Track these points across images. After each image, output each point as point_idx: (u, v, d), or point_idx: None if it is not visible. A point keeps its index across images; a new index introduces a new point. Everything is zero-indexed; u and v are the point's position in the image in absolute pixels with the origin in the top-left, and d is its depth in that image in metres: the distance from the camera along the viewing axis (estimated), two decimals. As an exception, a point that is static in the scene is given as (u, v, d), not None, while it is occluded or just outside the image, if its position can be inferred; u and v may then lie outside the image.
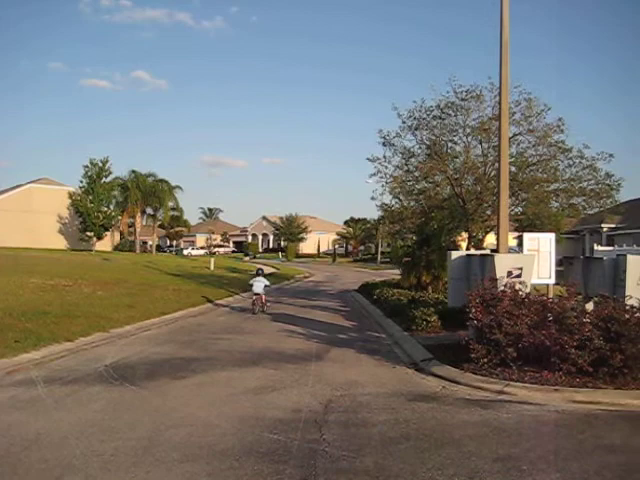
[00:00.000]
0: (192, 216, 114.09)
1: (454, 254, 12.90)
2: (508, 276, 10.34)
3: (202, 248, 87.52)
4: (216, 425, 7.03)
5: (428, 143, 23.49)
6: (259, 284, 19.67)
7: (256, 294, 19.47)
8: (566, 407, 7.85)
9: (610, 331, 8.61)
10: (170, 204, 74.84)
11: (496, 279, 10.24)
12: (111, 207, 62.94)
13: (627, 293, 9.99)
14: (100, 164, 59.83)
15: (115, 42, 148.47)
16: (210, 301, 22.46)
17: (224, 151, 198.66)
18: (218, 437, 6.56)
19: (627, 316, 8.76)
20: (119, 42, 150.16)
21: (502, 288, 9.92)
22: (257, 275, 20.49)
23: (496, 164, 18.42)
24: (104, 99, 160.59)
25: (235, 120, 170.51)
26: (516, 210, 24.20)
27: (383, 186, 24.12)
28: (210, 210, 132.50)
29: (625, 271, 10.38)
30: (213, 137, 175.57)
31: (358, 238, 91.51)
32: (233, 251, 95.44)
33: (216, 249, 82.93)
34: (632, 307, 9.10)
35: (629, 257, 10.47)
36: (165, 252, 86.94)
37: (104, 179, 60.53)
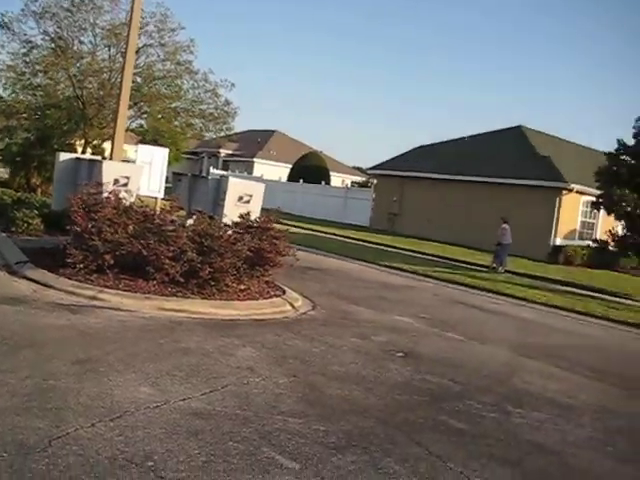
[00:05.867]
0: None
1: (62, 156, 12.31)
2: (115, 184, 10.26)
3: None
4: None
5: (53, 36, 21.82)
6: None
7: None
8: (154, 314, 8.21)
9: (203, 245, 9.18)
10: None
11: (101, 185, 10.10)
12: None
13: (225, 212, 10.74)
14: None
15: None
16: None
17: None
18: None
19: (220, 233, 9.43)
20: None
21: (107, 195, 9.82)
22: None
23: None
24: None
25: None
26: (138, 122, 24.09)
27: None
28: None
29: (225, 192, 11.11)
30: None
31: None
32: None
33: None
34: (226, 225, 9.82)
35: (230, 179, 11.24)
36: None
37: None
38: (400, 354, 8.13)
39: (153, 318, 8.03)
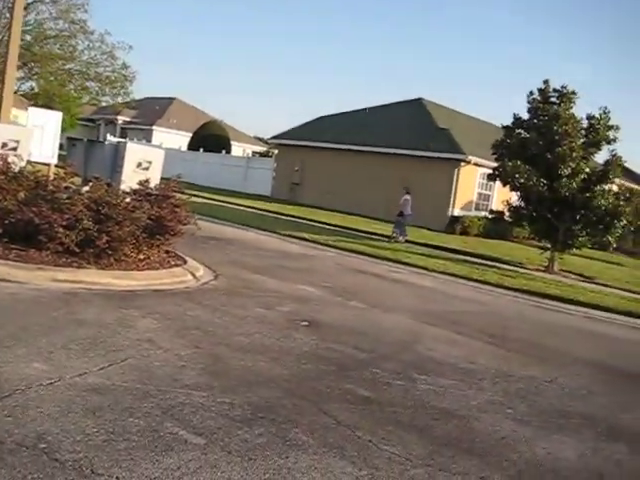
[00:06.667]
0: None
1: (-57, 117, 11.46)
2: (2, 147, 9.63)
3: None
4: None
5: None
6: None
7: None
8: (48, 286, 7.74)
9: (100, 213, 8.73)
10: None
11: (-12, 149, 9.46)
12: None
13: (123, 179, 10.29)
14: None
15: None
16: None
17: None
18: None
19: (117, 200, 9.01)
20: None
21: (-6, 159, 9.19)
22: None
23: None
24: None
25: None
26: (29, 85, 22.80)
27: None
28: None
29: (123, 158, 10.65)
30: None
31: None
32: None
33: None
34: (124, 192, 9.41)
35: (129, 144, 10.79)
36: None
37: None
38: (304, 323, 8.06)
39: (46, 290, 7.57)
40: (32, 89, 23.22)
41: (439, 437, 4.94)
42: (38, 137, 11.46)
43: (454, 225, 28.28)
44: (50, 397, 4.41)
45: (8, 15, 19.88)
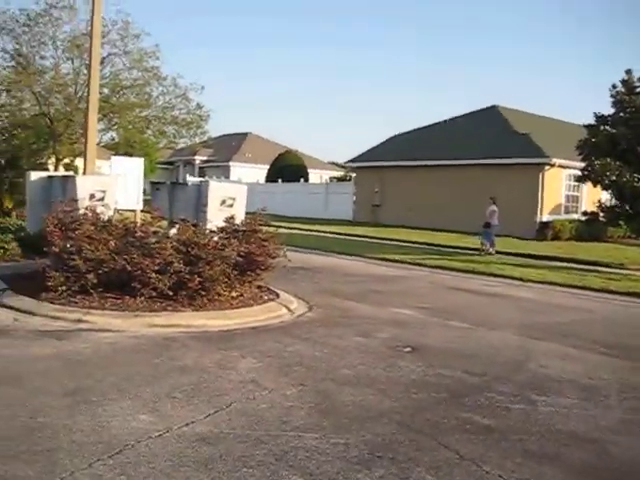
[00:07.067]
0: None
1: (34, 174, 11.78)
2: (91, 199, 9.76)
3: None
4: None
5: (12, 53, 21.21)
6: None
7: None
8: (145, 332, 7.74)
9: (190, 255, 8.71)
10: None
11: (77, 201, 9.60)
12: None
13: (208, 218, 10.28)
14: None
15: None
16: None
17: None
18: None
19: (206, 240, 8.97)
20: None
21: (83, 211, 9.32)
22: None
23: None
24: None
25: None
26: (110, 135, 23.53)
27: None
28: None
29: (207, 197, 10.66)
30: None
31: None
32: None
33: None
34: (211, 231, 9.37)
35: (211, 183, 10.79)
36: None
37: None
38: (407, 349, 7.74)
39: (144, 336, 7.55)
40: (113, 139, 24.00)
41: (574, 466, 4.50)
42: (122, 185, 11.62)
43: (544, 231, 27.28)
44: (160, 451, 4.25)
45: (86, 71, 20.62)
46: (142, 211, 13.01)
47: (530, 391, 6.24)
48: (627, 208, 19.38)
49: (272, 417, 5.07)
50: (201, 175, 53.87)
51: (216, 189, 10.84)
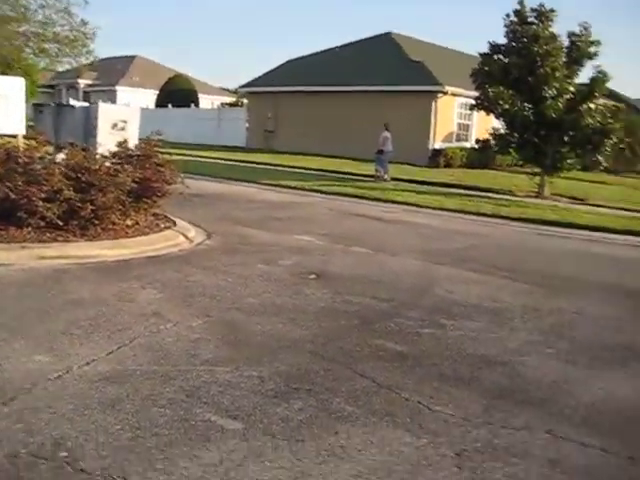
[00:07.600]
0: None
1: None
2: (-36, 121, 8.88)
3: None
4: None
5: None
6: None
7: None
8: (35, 264, 7.18)
9: (81, 181, 8.09)
10: None
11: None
12: None
13: (99, 141, 9.63)
14: None
15: None
16: None
17: None
18: None
19: (97, 166, 8.38)
20: None
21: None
22: None
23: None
24: None
25: None
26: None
27: None
28: None
29: (97, 119, 9.95)
30: None
31: None
32: None
33: None
34: (102, 156, 8.77)
35: (101, 105, 10.09)
36: None
37: None
38: (312, 276, 7.61)
39: (34, 269, 7.01)
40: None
41: (489, 389, 4.53)
42: (3, 107, 10.66)
43: (436, 158, 27.73)
44: (61, 393, 3.91)
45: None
46: (25, 137, 12.05)
47: (438, 315, 6.27)
48: (518, 136, 19.88)
49: (179, 351, 4.81)
50: (86, 100, 50.80)
51: (106, 111, 10.15)
